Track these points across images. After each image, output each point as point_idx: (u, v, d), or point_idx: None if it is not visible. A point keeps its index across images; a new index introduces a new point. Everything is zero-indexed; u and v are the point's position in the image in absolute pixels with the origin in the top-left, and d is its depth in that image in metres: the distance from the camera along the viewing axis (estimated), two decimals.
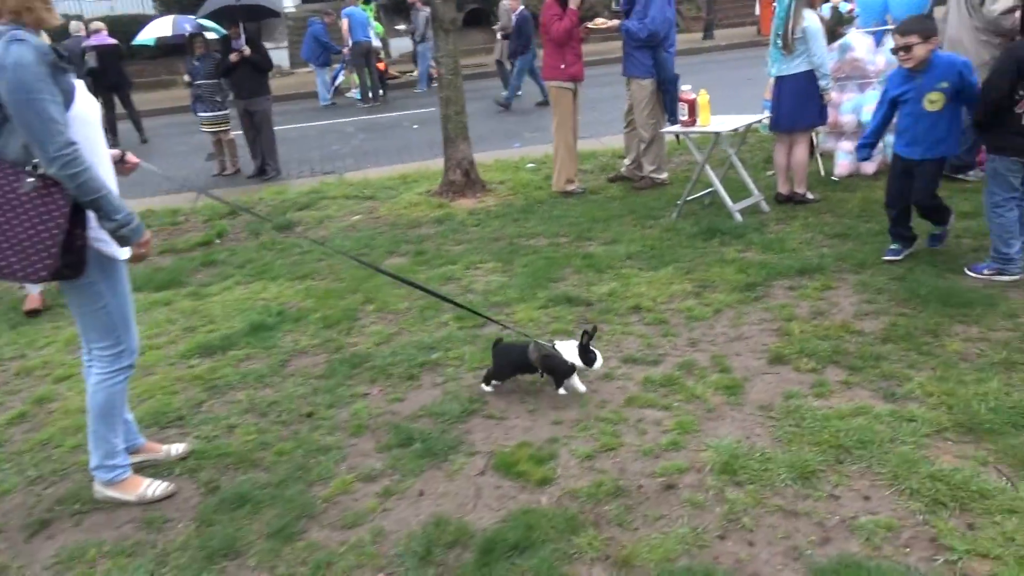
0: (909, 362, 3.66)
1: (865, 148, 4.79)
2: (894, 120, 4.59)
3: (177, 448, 3.47)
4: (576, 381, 3.59)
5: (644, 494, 2.91)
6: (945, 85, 4.24)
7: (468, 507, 2.93)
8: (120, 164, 3.17)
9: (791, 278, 4.88)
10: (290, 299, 5.44)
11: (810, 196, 6.34)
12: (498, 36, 14.75)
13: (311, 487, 3.17)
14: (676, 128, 6.41)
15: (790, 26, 5.90)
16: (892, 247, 4.74)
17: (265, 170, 10.32)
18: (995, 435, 3.01)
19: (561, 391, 3.40)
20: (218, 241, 7.38)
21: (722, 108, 6.92)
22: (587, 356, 3.36)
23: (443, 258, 6.00)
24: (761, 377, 3.67)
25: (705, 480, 2.93)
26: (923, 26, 4.12)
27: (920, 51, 4.21)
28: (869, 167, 6.72)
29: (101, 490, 3.15)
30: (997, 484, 2.71)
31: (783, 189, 6.45)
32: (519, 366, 3.62)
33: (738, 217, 6.10)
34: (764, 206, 6.37)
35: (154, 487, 3.18)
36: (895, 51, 4.32)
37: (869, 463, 2.93)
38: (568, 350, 3.37)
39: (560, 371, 3.39)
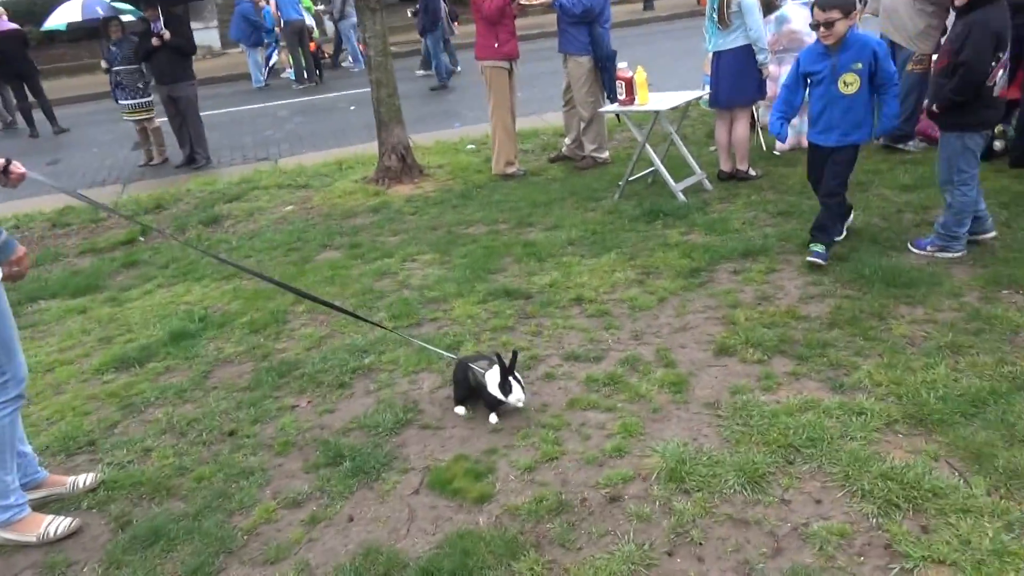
0: (856, 349, 3.53)
1: (781, 122, 4.43)
2: (806, 100, 4.33)
3: (85, 479, 3.16)
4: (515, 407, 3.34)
5: (588, 508, 2.71)
6: (860, 66, 4.01)
7: (401, 532, 2.71)
8: (3, 175, 2.80)
9: (735, 261, 4.73)
10: (215, 302, 5.11)
11: (752, 172, 6.22)
12: (409, 13, 14.21)
13: (231, 517, 2.90)
14: (615, 108, 6.20)
15: (725, 1, 5.70)
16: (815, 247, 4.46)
17: (195, 158, 9.83)
18: (945, 426, 2.89)
19: (492, 418, 3.18)
20: (142, 239, 6.95)
21: (663, 82, 6.74)
22: (504, 386, 3.06)
23: (379, 251, 5.71)
24: (707, 371, 3.51)
25: (651, 489, 2.76)
26: (845, 0, 3.92)
27: (841, 27, 3.94)
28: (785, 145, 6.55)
29: None
30: (950, 481, 2.59)
31: (725, 166, 6.31)
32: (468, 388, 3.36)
33: (681, 197, 5.94)
34: (707, 184, 6.23)
35: (56, 524, 2.88)
36: (815, 26, 4.01)
37: (820, 463, 2.78)
38: (493, 380, 3.09)
39: (487, 401, 3.14)
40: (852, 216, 4.65)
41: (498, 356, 3.04)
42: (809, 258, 4.27)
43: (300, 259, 5.76)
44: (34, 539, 2.89)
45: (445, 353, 3.60)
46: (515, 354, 3.13)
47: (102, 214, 7.81)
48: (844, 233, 4.75)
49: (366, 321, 3.45)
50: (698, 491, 2.73)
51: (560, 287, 4.64)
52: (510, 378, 3.03)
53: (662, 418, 3.20)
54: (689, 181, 6.15)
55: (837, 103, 4.14)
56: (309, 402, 3.67)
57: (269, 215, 7.20)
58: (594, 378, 3.55)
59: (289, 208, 7.31)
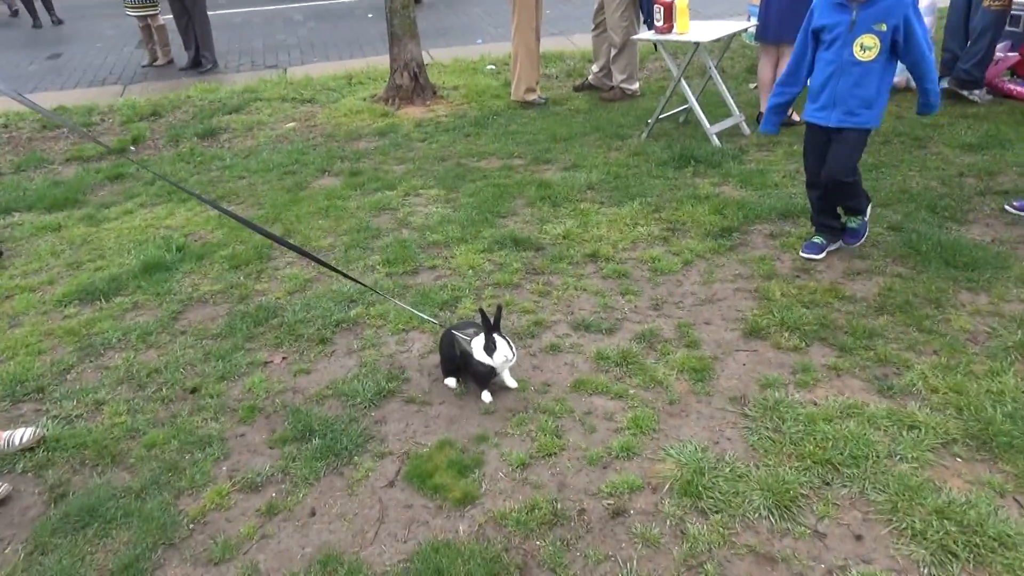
0: (908, 342, 3.02)
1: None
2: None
3: (23, 435, 2.76)
4: (505, 375, 2.86)
5: (586, 523, 2.28)
6: (883, 28, 3.13)
7: (368, 535, 2.29)
8: None
9: (772, 222, 4.17)
10: (198, 228, 4.64)
11: (796, 117, 5.55)
12: None
13: (179, 498, 2.50)
14: (650, 35, 5.50)
15: None
16: (814, 240, 3.74)
17: (200, 61, 9.20)
18: (1014, 452, 2.42)
19: (485, 397, 2.71)
20: (132, 149, 6.43)
21: (705, 8, 5.98)
22: (488, 346, 2.65)
23: (380, 181, 5.17)
24: (734, 356, 3.03)
25: (662, 504, 2.31)
26: None
27: None
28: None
29: None
30: (1020, 526, 2.10)
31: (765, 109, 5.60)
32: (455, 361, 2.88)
33: (715, 141, 5.33)
34: (745, 128, 5.60)
35: None
36: None
37: (862, 487, 2.32)
38: (479, 346, 2.71)
39: (477, 374, 2.75)
40: (840, 241, 3.77)
41: (481, 312, 2.65)
42: (844, 243, 3.72)
43: (295, 185, 5.24)
44: None
45: (432, 319, 3.10)
46: (500, 309, 2.72)
47: (94, 117, 7.25)
48: (823, 255, 3.81)
49: (348, 278, 2.96)
50: (716, 512, 2.28)
51: (575, 239, 4.12)
52: (494, 336, 2.61)
53: (680, 412, 2.74)
54: (726, 123, 5.52)
55: (847, 72, 3.28)
56: (284, 358, 3.24)
57: (269, 131, 6.64)
58: (605, 354, 3.09)
59: (291, 125, 6.74)
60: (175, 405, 3.01)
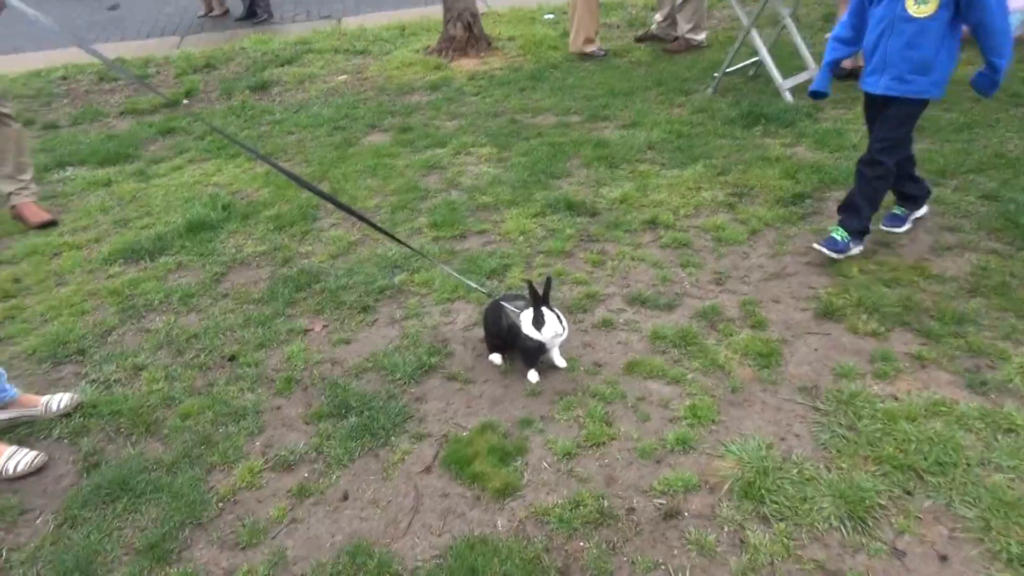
0: (1005, 330, 2.69)
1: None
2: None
3: (60, 401, 2.68)
4: (555, 353, 2.65)
5: (635, 524, 2.07)
6: None
7: (401, 525, 2.13)
8: None
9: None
10: (245, 186, 4.50)
11: None
12: None
13: (210, 474, 2.39)
14: None
15: None
16: (893, 211, 3.40)
17: (255, 12, 9.05)
18: None
19: (531, 376, 2.62)
20: (186, 102, 6.32)
21: None
22: (537, 320, 2.46)
23: (431, 138, 4.95)
24: (805, 339, 2.75)
25: (720, 507, 2.08)
26: None
27: None
28: None
29: None
30: None
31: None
32: (502, 336, 2.67)
33: (788, 97, 4.93)
34: None
35: (17, 460, 2.45)
36: None
37: (949, 499, 2.05)
38: (528, 320, 2.54)
39: (525, 350, 2.55)
40: (927, 206, 3.36)
41: (529, 284, 2.45)
42: (817, 245, 3.17)
43: (343, 141, 5.05)
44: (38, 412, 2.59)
45: (480, 288, 2.89)
46: (548, 281, 2.53)
47: (150, 69, 7.18)
48: (909, 224, 3.41)
49: (394, 240, 2.76)
50: (780, 520, 2.05)
51: (633, 204, 3.84)
52: (543, 309, 2.42)
53: (743, 402, 2.49)
54: (800, 78, 5.09)
55: (898, 30, 2.79)
56: (324, 327, 3.08)
57: (320, 84, 6.46)
58: (662, 333, 2.85)
59: (342, 78, 6.53)
60: (212, 373, 2.89)
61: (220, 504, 2.31)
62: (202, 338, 3.11)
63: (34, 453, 2.52)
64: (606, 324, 2.98)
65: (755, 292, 3.10)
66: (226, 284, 3.52)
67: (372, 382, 2.76)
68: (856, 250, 3.20)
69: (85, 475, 2.48)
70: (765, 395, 2.54)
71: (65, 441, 2.65)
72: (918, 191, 3.37)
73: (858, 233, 3.12)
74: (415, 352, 2.89)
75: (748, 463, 2.25)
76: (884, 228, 3.39)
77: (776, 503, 2.13)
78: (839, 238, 3.08)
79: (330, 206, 3.97)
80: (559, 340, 2.61)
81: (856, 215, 3.07)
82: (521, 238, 3.64)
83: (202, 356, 3.01)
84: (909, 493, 2.14)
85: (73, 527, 2.28)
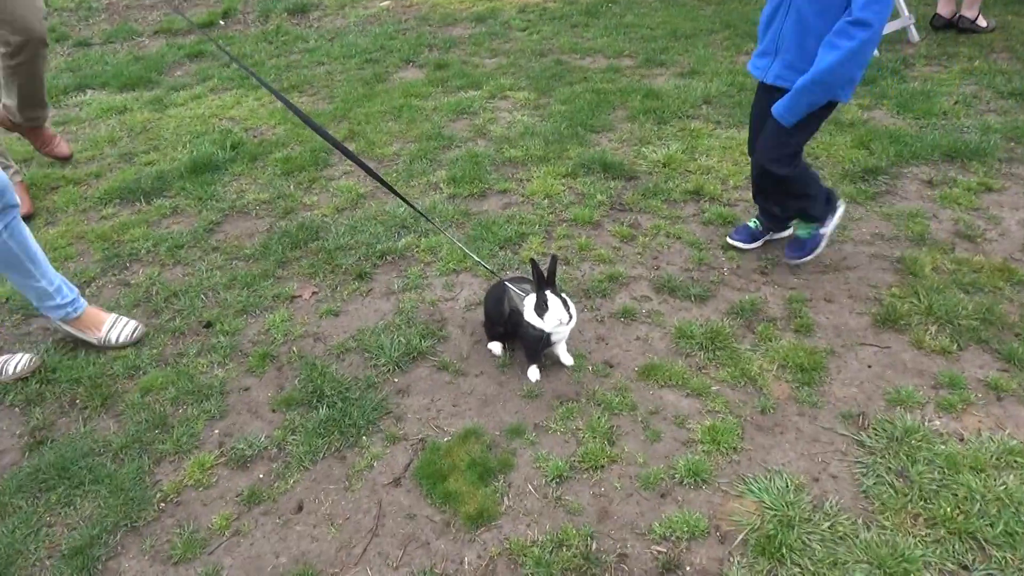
0: None
1: None
2: None
3: (19, 363, 2.43)
4: (561, 349, 2.38)
5: (626, 575, 1.68)
6: None
7: (355, 551, 1.82)
8: None
9: (933, 164, 3.25)
10: (260, 123, 4.17)
11: (983, 23, 4.39)
12: None
13: (159, 464, 2.13)
14: None
15: None
16: (748, 223, 2.83)
17: None
18: None
19: (532, 374, 2.35)
20: (222, 23, 5.96)
21: None
22: (539, 305, 2.15)
23: (466, 77, 4.50)
24: (857, 351, 2.33)
25: (730, 563, 1.74)
26: None
27: None
28: None
29: None
30: None
31: (944, 9, 4.51)
32: (502, 322, 2.36)
33: (914, 35, 4.28)
34: (913, 33, 4.47)
35: (119, 330, 2.67)
36: None
37: None
38: (531, 305, 2.21)
39: (526, 341, 2.28)
40: (839, 211, 2.70)
41: (532, 262, 2.15)
42: (788, 260, 2.71)
43: (373, 76, 4.66)
44: (95, 341, 2.61)
45: (486, 265, 2.53)
46: (554, 260, 2.19)
47: None
48: (757, 244, 2.83)
49: (403, 200, 2.40)
50: None
51: (677, 168, 3.36)
52: (547, 293, 2.11)
53: (773, 426, 2.12)
54: (891, 26, 4.40)
55: (794, 6, 2.17)
56: (314, 293, 2.78)
57: (361, 10, 6.03)
58: (689, 331, 2.49)
59: (384, 4, 6.09)
60: (185, 340, 2.61)
61: (161, 505, 2.04)
62: (182, 297, 2.83)
63: (135, 324, 2.68)
64: (626, 314, 2.60)
65: (805, 286, 2.67)
66: (219, 235, 3.22)
67: (353, 366, 2.44)
68: (834, 222, 2.68)
69: (27, 454, 2.22)
70: (801, 420, 2.12)
71: (16, 409, 2.41)
72: (781, 213, 2.70)
73: (823, 214, 2.59)
74: (406, 333, 2.56)
75: (771, 509, 1.86)
76: (729, 240, 2.85)
77: (798, 566, 1.74)
78: (803, 235, 2.61)
79: (349, 146, 3.58)
80: (564, 330, 2.25)
81: (805, 209, 2.57)
82: (545, 202, 3.23)
83: (178, 319, 2.73)
84: (966, 568, 1.72)
85: (3, 516, 2.02)
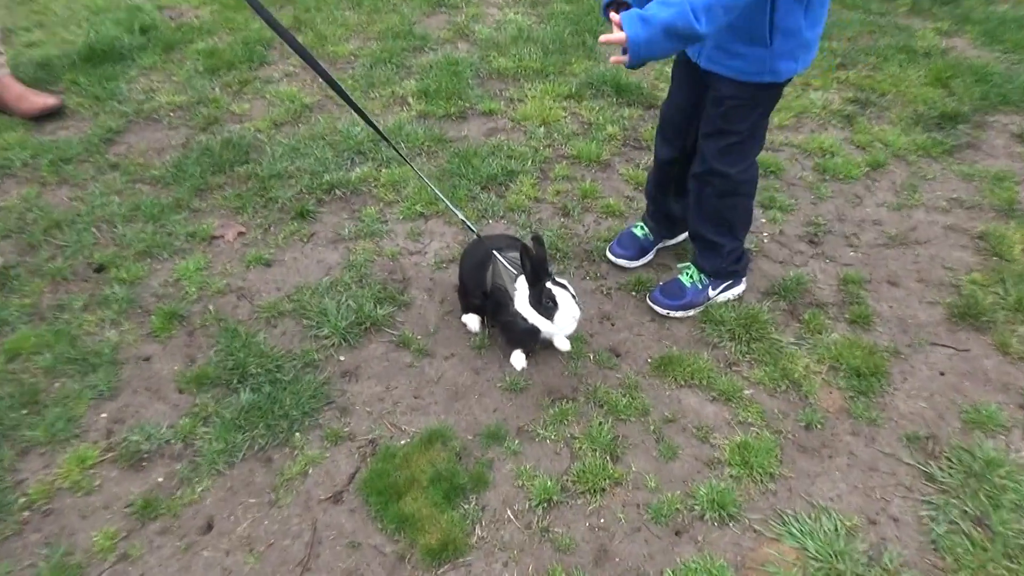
0: None
1: None
2: None
3: None
4: (560, 341, 2.25)
5: None
6: None
7: None
8: None
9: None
10: (183, 1, 3.78)
11: None
12: None
13: (24, 457, 1.94)
14: None
15: None
16: (633, 229, 2.58)
17: None
18: None
19: (516, 360, 2.21)
20: None
21: None
22: (541, 301, 2.00)
23: None
24: (928, 355, 2.25)
25: None
26: None
27: None
28: None
29: None
30: None
31: None
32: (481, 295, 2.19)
33: None
34: None
35: None
36: None
37: None
38: (524, 290, 2.06)
39: (510, 330, 2.14)
40: (739, 287, 2.47)
41: (522, 247, 1.97)
42: (652, 303, 2.41)
43: None
44: None
45: (463, 217, 2.29)
46: (539, 242, 2.01)
47: None
48: (721, 293, 2.45)
49: (362, 116, 2.13)
50: None
51: None
52: (548, 286, 1.98)
53: (821, 447, 2.02)
54: None
55: None
56: (240, 234, 2.57)
57: None
58: (718, 315, 2.36)
59: None
60: (69, 288, 2.38)
61: (24, 514, 1.82)
62: (67, 230, 2.59)
63: None
64: (640, 288, 2.48)
65: (864, 263, 2.54)
66: (119, 148, 2.97)
67: (288, 336, 2.27)
68: (728, 294, 2.41)
69: None
70: (855, 442, 2.00)
71: None
72: (675, 213, 2.49)
73: (721, 274, 2.37)
74: (357, 295, 2.39)
75: (815, 559, 1.73)
76: (609, 255, 2.56)
77: None
78: (686, 282, 2.38)
79: (287, 48, 3.29)
80: (569, 330, 2.07)
81: (712, 251, 2.33)
82: (541, 130, 3.03)
83: (60, 259, 2.50)
84: None
85: None
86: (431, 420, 2.07)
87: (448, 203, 2.33)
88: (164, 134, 3.02)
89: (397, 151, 2.38)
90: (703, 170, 2.17)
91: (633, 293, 2.45)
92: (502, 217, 2.66)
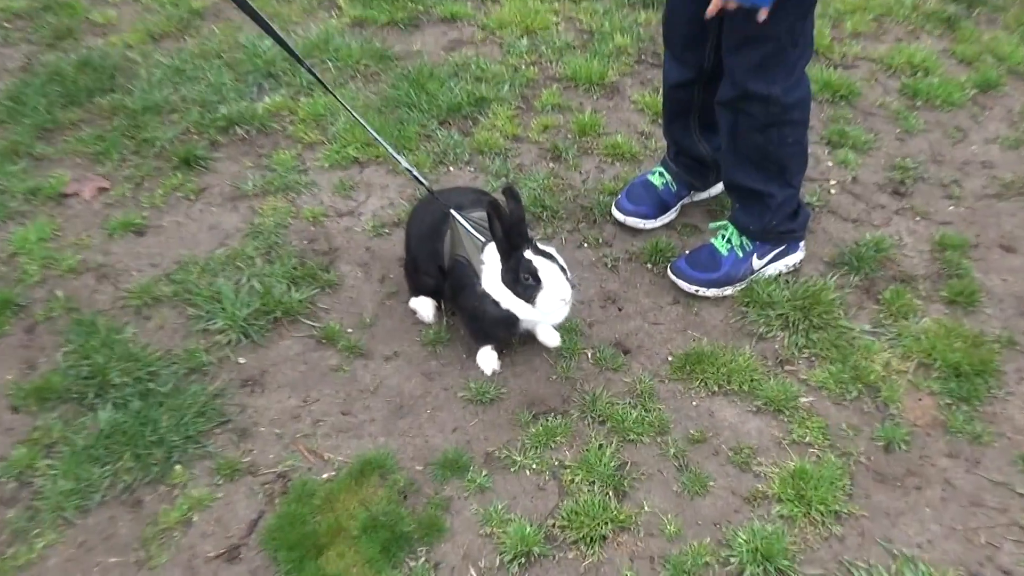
0: None
1: None
2: None
3: None
4: (545, 332, 2.28)
5: None
6: None
7: None
8: None
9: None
10: None
11: None
12: None
13: None
14: None
15: None
16: (650, 176, 2.62)
17: None
18: None
19: (484, 361, 2.24)
20: None
21: None
22: (515, 277, 2.04)
23: None
24: None
25: None
26: None
27: None
28: None
29: None
30: None
31: None
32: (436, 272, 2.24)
33: None
34: None
35: None
36: None
37: None
38: (495, 261, 2.09)
39: (476, 316, 2.17)
40: (796, 254, 2.52)
41: (492, 204, 2.00)
42: (676, 277, 2.44)
43: None
44: None
45: (409, 167, 2.31)
46: (514, 196, 2.04)
47: None
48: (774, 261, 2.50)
49: (268, 31, 2.14)
50: None
51: None
52: (528, 257, 2.03)
53: (905, 475, 2.06)
54: None
55: None
56: (103, 190, 2.69)
57: None
58: (765, 293, 2.40)
59: None
60: None
61: None
62: None
63: None
64: (657, 258, 2.51)
65: (968, 221, 2.60)
66: None
67: (167, 331, 2.32)
68: (779, 265, 2.47)
69: None
70: (954, 466, 2.07)
71: None
72: (707, 156, 2.53)
73: (770, 237, 2.40)
74: (265, 273, 2.42)
75: None
76: (614, 211, 2.60)
77: None
78: (722, 249, 2.43)
79: None
80: (559, 317, 2.13)
81: (756, 204, 2.37)
82: (524, 42, 3.15)
83: None
84: None
85: None
86: (365, 445, 2.09)
87: (388, 147, 2.32)
88: None
89: (314, 75, 2.36)
90: (734, 95, 2.18)
91: (649, 265, 2.48)
92: (468, 163, 2.68)
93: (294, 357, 2.27)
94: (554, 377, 2.23)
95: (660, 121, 2.79)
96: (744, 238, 2.38)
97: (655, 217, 2.56)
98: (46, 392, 2.19)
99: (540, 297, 2.03)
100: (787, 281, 2.41)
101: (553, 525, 1.97)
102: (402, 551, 1.92)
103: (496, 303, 2.10)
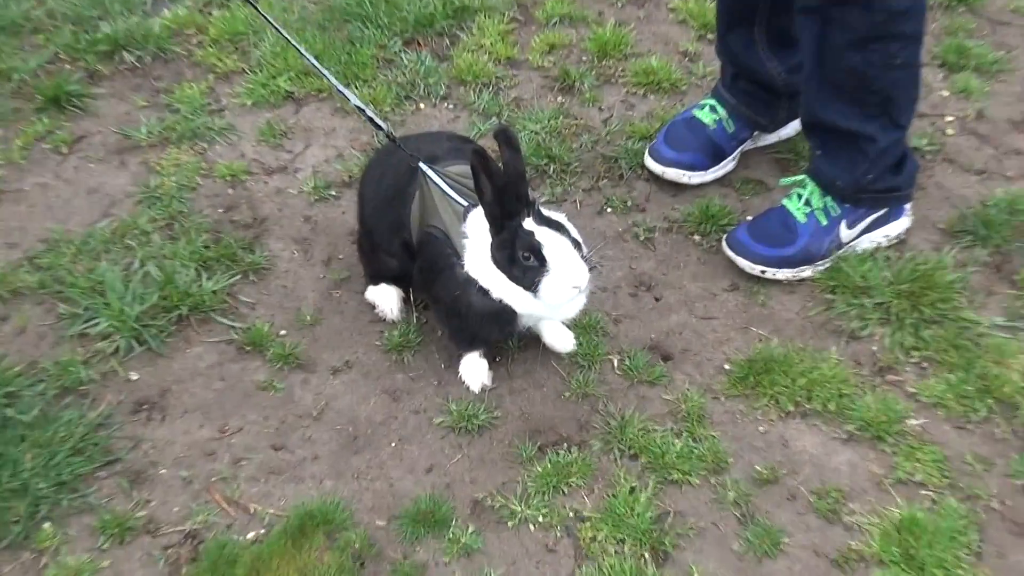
0: None
1: None
2: None
3: None
4: (547, 325, 2.31)
5: None
6: None
7: None
8: None
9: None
10: None
11: None
12: None
13: None
14: None
15: None
16: (697, 112, 2.68)
17: None
18: None
19: (470, 373, 2.29)
20: None
21: None
22: (511, 256, 2.07)
23: None
24: None
25: None
26: None
27: None
28: None
29: None
30: None
31: None
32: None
33: None
34: None
35: None
36: None
37: None
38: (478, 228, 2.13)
39: (458, 317, 2.21)
40: (902, 220, 2.58)
41: (477, 153, 2.00)
42: (734, 253, 2.49)
43: None
44: None
45: (361, 105, 2.30)
46: (509, 142, 2.05)
47: None
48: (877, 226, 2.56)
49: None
50: None
51: None
52: (529, 226, 2.05)
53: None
54: None
55: None
56: None
57: None
58: (858, 273, 2.45)
59: None
60: None
61: None
62: None
63: None
64: (708, 226, 2.54)
65: None
66: None
67: (32, 335, 2.35)
68: (878, 235, 2.52)
69: None
70: None
71: None
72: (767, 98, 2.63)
73: (865, 196, 2.45)
74: (166, 253, 2.45)
75: None
76: (647, 160, 2.65)
77: None
78: (798, 214, 2.46)
79: None
80: (571, 311, 2.18)
81: (849, 151, 2.41)
82: None
83: None
84: None
85: None
86: (306, 492, 2.12)
87: (331, 79, 2.32)
88: None
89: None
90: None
91: (696, 237, 2.52)
92: (444, 98, 2.70)
93: (206, 371, 2.30)
94: (567, 395, 2.26)
95: (711, 35, 2.80)
96: (829, 198, 2.41)
97: (704, 168, 2.60)
98: None
99: (545, 283, 2.04)
100: (888, 258, 2.45)
101: None
102: None
103: (485, 292, 2.12)
